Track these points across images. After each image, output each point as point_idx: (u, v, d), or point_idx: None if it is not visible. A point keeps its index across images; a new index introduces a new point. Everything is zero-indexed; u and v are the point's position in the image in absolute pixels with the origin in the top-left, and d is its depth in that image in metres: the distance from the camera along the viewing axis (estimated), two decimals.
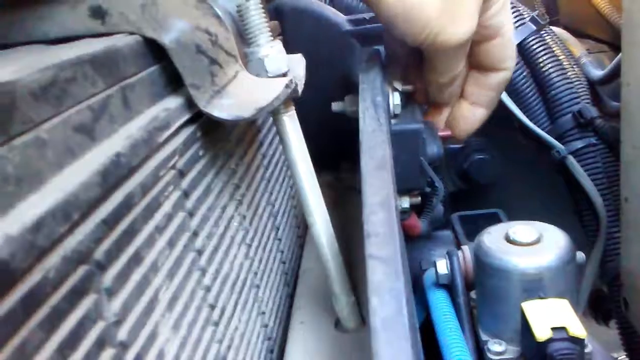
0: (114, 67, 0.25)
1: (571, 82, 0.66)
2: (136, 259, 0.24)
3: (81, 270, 0.20)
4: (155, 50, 0.29)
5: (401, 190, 0.54)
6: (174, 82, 0.31)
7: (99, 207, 0.22)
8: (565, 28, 0.76)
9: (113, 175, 0.22)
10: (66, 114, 0.21)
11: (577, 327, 0.35)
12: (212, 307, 0.32)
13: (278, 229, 0.51)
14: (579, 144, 0.65)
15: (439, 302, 0.44)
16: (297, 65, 0.41)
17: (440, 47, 0.46)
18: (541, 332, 0.35)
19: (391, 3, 0.44)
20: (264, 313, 0.43)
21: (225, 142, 0.38)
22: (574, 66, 0.68)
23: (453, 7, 0.45)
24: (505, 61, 0.53)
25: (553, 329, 0.35)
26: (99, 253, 0.21)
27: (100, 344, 0.21)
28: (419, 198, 0.56)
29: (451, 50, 0.47)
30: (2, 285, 0.17)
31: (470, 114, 0.55)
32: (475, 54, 0.51)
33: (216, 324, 0.33)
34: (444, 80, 0.52)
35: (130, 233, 0.24)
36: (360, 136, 0.40)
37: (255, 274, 0.42)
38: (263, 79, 0.36)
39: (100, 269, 0.21)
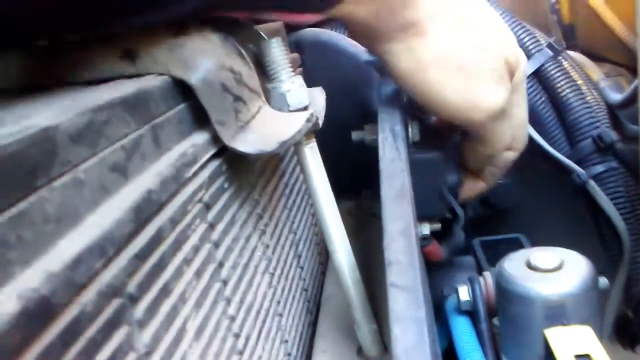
0: (144, 108, 0.27)
1: (590, 107, 0.67)
2: (165, 291, 0.25)
3: (115, 303, 0.21)
4: (182, 89, 0.31)
5: (421, 217, 0.54)
6: (200, 118, 0.32)
7: (132, 242, 0.23)
8: (583, 52, 0.77)
9: (145, 211, 0.23)
10: (101, 155, 0.23)
11: (601, 355, 0.35)
12: (237, 336, 0.33)
13: (300, 257, 0.51)
14: (599, 168, 0.65)
15: (462, 328, 0.44)
16: (317, 98, 0.42)
17: (473, 123, 0.46)
18: None
19: (410, 88, 0.45)
20: (287, 341, 0.43)
21: (248, 174, 0.39)
22: (593, 90, 0.68)
23: (474, 77, 0.44)
24: (511, 141, 0.51)
25: (577, 356, 0.35)
26: (132, 286, 0.22)
27: None
28: (439, 224, 0.56)
29: (487, 122, 0.47)
30: (44, 320, 0.18)
31: (470, 184, 0.56)
32: None
33: (241, 353, 0.33)
34: (494, 152, 0.51)
35: (160, 266, 0.25)
36: (379, 165, 0.41)
37: (278, 302, 0.43)
38: (285, 114, 0.37)
39: (132, 301, 0.22)
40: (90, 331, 0.20)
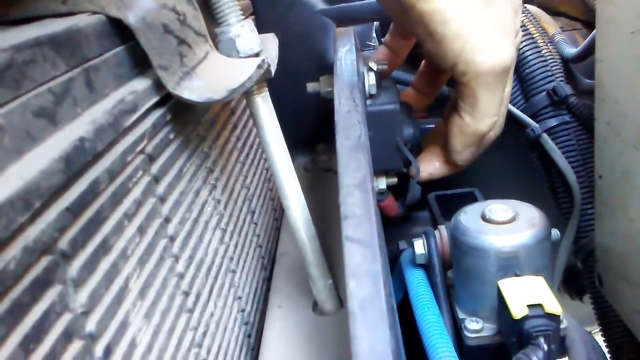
0: (76, 48, 0.24)
1: (545, 60, 0.66)
2: (104, 248, 0.23)
3: (45, 261, 0.19)
4: (120, 31, 0.28)
5: (378, 171, 0.54)
6: (141, 63, 0.29)
7: (63, 194, 0.21)
8: (539, 6, 0.76)
9: (77, 161, 0.21)
10: (25, 98, 0.20)
11: (553, 304, 0.35)
12: (187, 294, 0.32)
13: (254, 212, 0.50)
14: (553, 122, 0.65)
15: (417, 281, 0.44)
16: (269, 45, 0.40)
17: (481, 69, 0.40)
18: (517, 310, 0.35)
19: (429, 21, 0.39)
20: (240, 298, 0.42)
21: (197, 125, 0.37)
22: (548, 44, 0.68)
23: (497, 19, 0.40)
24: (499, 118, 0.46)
25: (529, 306, 0.35)
26: (64, 242, 0.20)
27: (67, 336, 0.20)
28: (396, 179, 0.55)
29: (493, 76, 0.41)
30: None
31: (443, 164, 0.51)
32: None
33: (191, 311, 0.32)
34: (482, 127, 0.44)
35: (96, 221, 0.23)
36: (335, 117, 0.40)
37: (231, 259, 0.41)
38: (234, 60, 0.35)
39: (66, 258, 0.20)
40: (16, 291, 0.18)
